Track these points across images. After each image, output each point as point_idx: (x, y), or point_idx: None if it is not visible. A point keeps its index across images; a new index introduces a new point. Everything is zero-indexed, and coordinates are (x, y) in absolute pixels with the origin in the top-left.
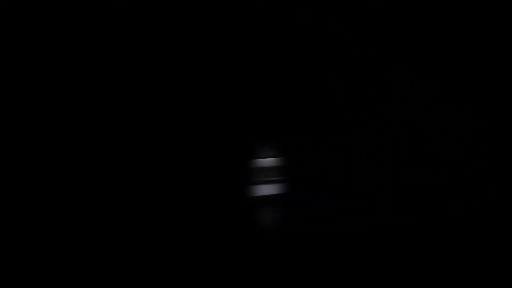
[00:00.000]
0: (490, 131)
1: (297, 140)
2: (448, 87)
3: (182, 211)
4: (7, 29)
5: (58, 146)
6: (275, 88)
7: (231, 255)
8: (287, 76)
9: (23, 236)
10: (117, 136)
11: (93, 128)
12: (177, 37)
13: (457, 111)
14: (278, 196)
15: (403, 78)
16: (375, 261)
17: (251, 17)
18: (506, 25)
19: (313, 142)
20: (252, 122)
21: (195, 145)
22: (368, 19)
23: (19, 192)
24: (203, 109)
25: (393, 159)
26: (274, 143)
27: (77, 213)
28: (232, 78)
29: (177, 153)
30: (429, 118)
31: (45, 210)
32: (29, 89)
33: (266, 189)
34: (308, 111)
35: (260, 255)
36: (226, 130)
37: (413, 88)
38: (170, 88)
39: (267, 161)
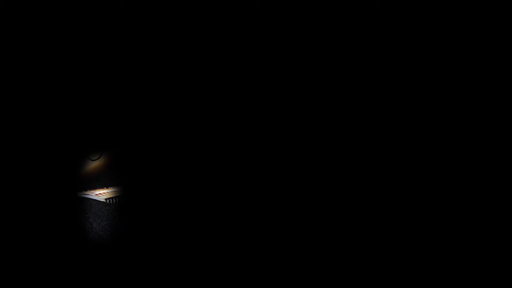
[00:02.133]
0: (490, 131)
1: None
2: (448, 87)
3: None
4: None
5: None
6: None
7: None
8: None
9: None
10: None
11: None
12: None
13: (457, 111)
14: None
15: (403, 78)
16: (374, 261)
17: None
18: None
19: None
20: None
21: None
22: (368, 19)
23: None
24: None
25: (385, 160)
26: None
27: None
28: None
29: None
30: (429, 118)
31: None
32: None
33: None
34: (308, 111)
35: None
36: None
37: (413, 88)
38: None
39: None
